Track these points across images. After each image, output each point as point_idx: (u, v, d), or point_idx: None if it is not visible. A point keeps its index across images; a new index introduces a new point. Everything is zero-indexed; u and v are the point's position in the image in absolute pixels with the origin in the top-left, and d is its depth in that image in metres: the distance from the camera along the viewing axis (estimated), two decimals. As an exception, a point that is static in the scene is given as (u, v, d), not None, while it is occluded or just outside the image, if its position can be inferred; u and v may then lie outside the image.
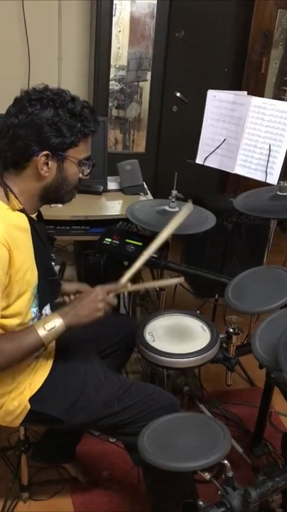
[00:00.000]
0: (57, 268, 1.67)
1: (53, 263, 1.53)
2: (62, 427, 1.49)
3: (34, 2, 3.05)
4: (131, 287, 1.52)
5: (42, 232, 1.45)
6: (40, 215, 1.48)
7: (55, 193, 1.37)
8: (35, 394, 1.42)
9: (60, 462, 1.90)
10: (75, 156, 1.34)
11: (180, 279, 1.63)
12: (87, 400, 1.44)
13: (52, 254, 1.54)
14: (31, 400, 1.41)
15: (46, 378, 1.45)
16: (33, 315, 1.41)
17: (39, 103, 1.27)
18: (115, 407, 1.43)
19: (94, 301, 1.38)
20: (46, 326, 1.31)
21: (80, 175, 1.39)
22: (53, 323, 1.32)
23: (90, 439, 1.99)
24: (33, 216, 1.40)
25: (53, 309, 1.51)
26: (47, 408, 1.42)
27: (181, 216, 1.61)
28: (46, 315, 1.48)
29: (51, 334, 1.32)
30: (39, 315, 1.44)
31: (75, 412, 1.43)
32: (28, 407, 1.41)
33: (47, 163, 1.30)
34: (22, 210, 1.32)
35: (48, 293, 1.45)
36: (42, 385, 1.43)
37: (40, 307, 1.43)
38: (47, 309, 1.50)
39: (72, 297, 1.66)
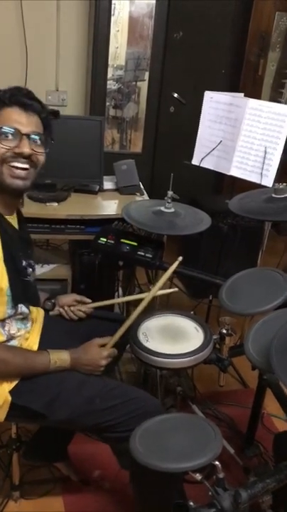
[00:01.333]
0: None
1: (30, 269, 1.54)
2: (46, 422, 1.48)
3: (32, 2, 3.05)
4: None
5: (15, 233, 1.46)
6: (21, 217, 1.51)
7: None
8: (15, 386, 1.42)
9: (51, 461, 1.90)
10: None
11: (174, 290, 1.72)
12: (67, 395, 1.44)
13: (31, 261, 1.55)
14: (12, 392, 1.41)
15: None
16: (7, 315, 1.42)
17: None
18: (97, 405, 1.43)
19: (98, 364, 1.50)
20: (58, 360, 1.45)
21: (14, 149, 1.35)
22: (63, 360, 1.46)
23: (82, 439, 1.99)
24: (12, 216, 1.44)
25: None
26: (28, 401, 1.41)
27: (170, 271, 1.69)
28: (22, 314, 1.49)
29: (57, 366, 1.46)
30: (14, 311, 1.45)
31: (56, 407, 1.42)
32: (9, 399, 1.41)
33: None
34: None
35: (21, 293, 1.45)
36: (22, 378, 1.43)
37: (14, 305, 1.43)
38: (23, 309, 1.50)
39: (66, 308, 1.74)
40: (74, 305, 1.77)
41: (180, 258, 1.73)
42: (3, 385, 1.42)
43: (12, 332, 1.47)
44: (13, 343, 1.48)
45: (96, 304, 1.80)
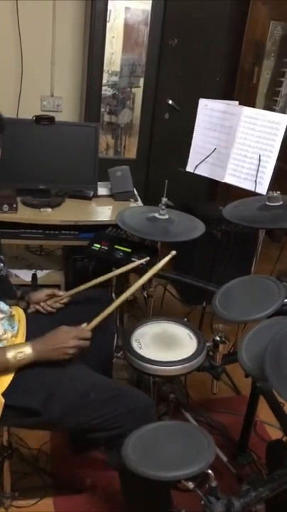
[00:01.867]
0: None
1: (1, 264, 1.56)
2: (39, 421, 1.45)
3: (28, 6, 3.05)
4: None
5: None
6: None
7: None
8: (7, 388, 1.41)
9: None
10: None
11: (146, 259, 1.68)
12: (62, 391, 1.43)
13: (1, 256, 1.58)
14: (4, 394, 1.40)
15: (16, 372, 1.44)
16: None
17: None
18: (91, 399, 1.42)
19: (66, 346, 1.44)
20: (18, 354, 1.39)
21: None
22: (23, 353, 1.40)
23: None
24: None
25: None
26: (23, 400, 1.41)
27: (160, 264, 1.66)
28: (1, 312, 1.49)
29: (20, 362, 1.40)
30: None
31: (52, 404, 1.41)
32: (2, 401, 1.40)
33: None
34: None
35: None
36: (12, 380, 1.42)
37: None
38: (2, 306, 1.50)
39: (42, 304, 1.72)
40: (47, 299, 1.76)
41: (173, 252, 1.71)
42: None
43: None
44: (0, 345, 1.48)
45: (69, 293, 1.78)
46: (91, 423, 1.43)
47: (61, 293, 1.79)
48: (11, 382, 1.42)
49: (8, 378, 1.42)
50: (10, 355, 1.39)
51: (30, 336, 1.58)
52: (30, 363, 1.41)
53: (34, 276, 2.23)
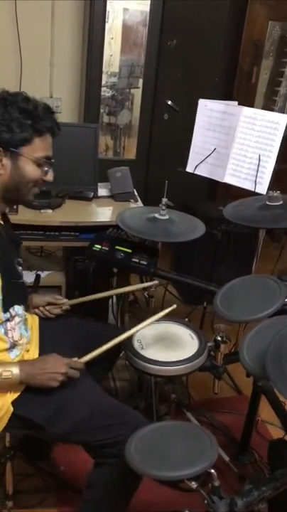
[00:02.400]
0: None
1: (20, 267, 1.54)
2: (43, 434, 1.47)
3: (27, 8, 3.06)
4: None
5: (7, 235, 1.46)
6: (6, 218, 1.50)
7: (15, 193, 1.40)
8: (17, 397, 1.41)
9: (32, 462, 1.89)
10: (30, 154, 1.36)
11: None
12: (69, 410, 1.42)
13: (19, 259, 1.55)
14: (14, 403, 1.40)
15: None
16: (4, 318, 1.42)
17: None
18: (96, 422, 1.42)
19: (55, 372, 1.40)
20: (4, 372, 1.35)
21: (43, 176, 1.41)
22: (9, 373, 1.35)
23: (75, 448, 1.97)
24: None
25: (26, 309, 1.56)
26: (30, 413, 1.40)
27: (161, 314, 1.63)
28: (16, 316, 1.48)
29: (2, 380, 1.35)
30: (8, 317, 1.44)
31: (57, 421, 1.41)
32: (11, 409, 1.40)
33: (1, 160, 1.33)
34: None
35: (13, 295, 1.45)
36: (25, 389, 1.42)
37: (5, 309, 1.42)
38: (18, 310, 1.49)
39: (41, 309, 1.71)
40: (47, 305, 1.76)
41: (174, 306, 1.67)
42: (6, 395, 1.41)
43: (15, 339, 1.47)
44: (15, 352, 1.48)
45: (72, 302, 1.78)
46: (93, 443, 1.43)
47: (63, 300, 1.78)
48: (23, 391, 1.42)
49: (20, 388, 1.42)
50: None
51: (43, 347, 1.58)
52: (15, 383, 1.38)
53: (37, 276, 2.23)
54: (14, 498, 1.79)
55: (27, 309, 1.66)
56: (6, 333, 1.44)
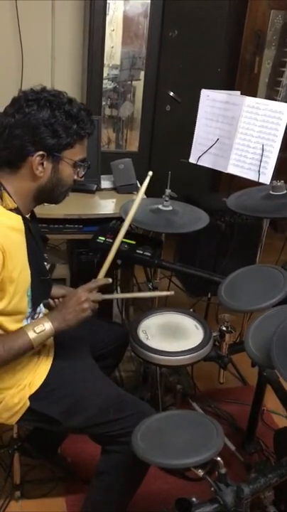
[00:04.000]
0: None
1: (45, 263, 1.54)
2: (57, 428, 1.49)
3: (27, 2, 3.05)
4: (118, 295, 1.53)
5: (36, 232, 1.46)
6: (33, 215, 1.49)
7: (49, 194, 1.39)
8: (34, 392, 1.42)
9: (40, 458, 1.90)
10: (70, 158, 1.35)
11: (171, 292, 1.61)
12: (85, 404, 1.44)
13: (45, 254, 1.55)
14: (31, 398, 1.42)
15: (46, 378, 1.45)
16: (28, 314, 1.42)
17: (36, 104, 1.27)
18: (111, 416, 1.43)
19: (78, 302, 1.39)
20: (36, 328, 1.34)
21: (75, 176, 1.40)
22: (43, 327, 1.34)
23: (82, 438, 1.99)
24: (27, 216, 1.40)
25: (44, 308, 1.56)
26: (46, 408, 1.42)
27: (143, 188, 1.63)
28: (40, 313, 1.50)
29: (40, 337, 1.34)
30: (33, 314, 1.45)
31: (72, 415, 1.43)
32: (28, 404, 1.42)
33: (42, 164, 1.31)
34: (16, 210, 1.32)
35: (41, 292, 1.46)
36: (42, 385, 1.44)
37: (34, 307, 1.43)
38: (42, 308, 1.51)
39: (56, 301, 1.69)
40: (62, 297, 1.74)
41: (150, 173, 1.68)
42: (24, 389, 1.42)
43: None
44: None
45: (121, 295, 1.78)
46: (106, 434, 1.44)
47: None
48: (40, 386, 1.43)
49: (37, 383, 1.44)
50: (29, 331, 1.33)
51: (58, 343, 1.58)
52: (51, 335, 1.37)
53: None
54: (22, 488, 1.81)
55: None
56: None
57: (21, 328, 1.36)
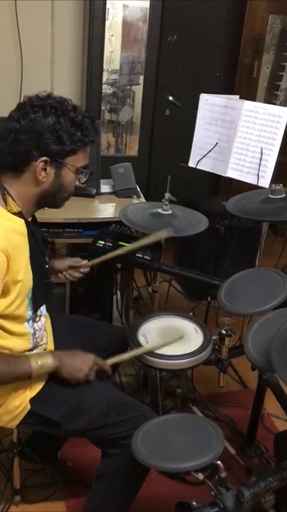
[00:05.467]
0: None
1: (47, 266, 1.54)
2: (57, 431, 1.49)
3: (27, 6, 3.06)
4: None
5: (38, 235, 1.47)
6: (34, 218, 1.50)
7: (51, 199, 1.40)
8: (35, 395, 1.43)
9: (39, 462, 1.90)
10: (73, 164, 1.36)
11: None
12: (85, 407, 1.44)
13: (46, 258, 1.56)
14: (32, 401, 1.42)
15: (46, 381, 1.45)
16: (29, 317, 1.42)
17: (41, 110, 1.29)
18: (111, 419, 1.44)
19: (85, 364, 1.43)
20: (39, 361, 1.37)
21: (77, 182, 1.41)
22: (45, 362, 1.38)
23: (82, 442, 1.99)
24: (29, 219, 1.42)
25: (48, 308, 1.57)
26: (47, 411, 1.42)
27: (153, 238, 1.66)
28: (42, 316, 1.50)
29: (41, 370, 1.37)
30: (35, 317, 1.45)
31: (73, 418, 1.43)
32: (29, 407, 1.42)
33: (45, 169, 1.32)
34: (19, 213, 1.34)
35: (42, 295, 1.46)
36: (42, 388, 1.44)
37: (35, 309, 1.44)
38: (43, 311, 1.52)
39: (65, 273, 1.74)
40: (69, 268, 1.78)
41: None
42: (25, 392, 1.42)
43: (38, 340, 1.49)
44: (36, 351, 1.49)
45: (91, 263, 1.80)
46: (106, 437, 1.45)
47: (83, 262, 1.80)
48: (41, 389, 1.44)
49: (39, 386, 1.44)
50: (33, 362, 1.36)
51: (56, 345, 1.60)
52: (51, 370, 1.40)
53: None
54: (22, 492, 1.80)
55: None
56: (34, 334, 1.46)
57: (26, 355, 1.41)
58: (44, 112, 1.28)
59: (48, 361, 1.38)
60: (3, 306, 1.32)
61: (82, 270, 1.80)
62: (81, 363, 1.43)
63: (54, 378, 1.46)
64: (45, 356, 1.40)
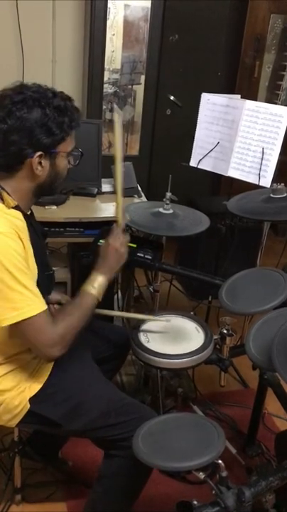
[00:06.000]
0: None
1: (47, 258, 1.56)
2: (57, 431, 1.49)
3: (28, 5, 3.06)
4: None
5: (37, 228, 1.48)
6: (31, 212, 1.50)
7: (48, 188, 1.41)
8: (35, 395, 1.43)
9: (41, 461, 1.90)
10: (65, 150, 1.37)
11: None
12: (86, 408, 1.44)
13: (47, 250, 1.56)
14: (31, 400, 1.42)
15: (46, 381, 1.45)
16: None
17: (25, 105, 1.27)
18: (112, 419, 1.43)
19: (117, 251, 1.52)
20: (94, 284, 1.45)
21: (68, 165, 1.42)
22: (97, 281, 1.46)
23: (84, 442, 1.99)
24: (29, 213, 1.43)
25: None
26: (47, 410, 1.42)
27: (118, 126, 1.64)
28: None
29: (100, 289, 1.45)
30: None
31: (73, 418, 1.43)
32: (28, 406, 1.42)
33: (40, 163, 1.33)
34: (17, 207, 1.34)
35: (45, 287, 1.46)
36: (42, 387, 1.44)
37: None
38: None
39: (51, 306, 1.69)
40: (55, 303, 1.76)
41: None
42: (24, 392, 1.42)
43: None
44: None
45: None
46: (107, 438, 1.45)
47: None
48: (41, 389, 1.44)
49: (38, 385, 1.44)
50: (90, 289, 1.44)
51: None
52: (106, 284, 1.47)
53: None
54: (23, 491, 1.80)
55: None
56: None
57: (81, 289, 1.45)
58: (27, 106, 1.27)
59: (99, 279, 1.46)
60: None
61: None
62: (116, 255, 1.52)
63: (54, 378, 1.45)
64: (93, 280, 1.46)
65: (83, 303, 1.43)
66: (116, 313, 1.95)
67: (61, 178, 1.41)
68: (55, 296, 1.73)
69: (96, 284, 1.45)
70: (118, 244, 1.52)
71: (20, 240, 1.28)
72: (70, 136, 1.37)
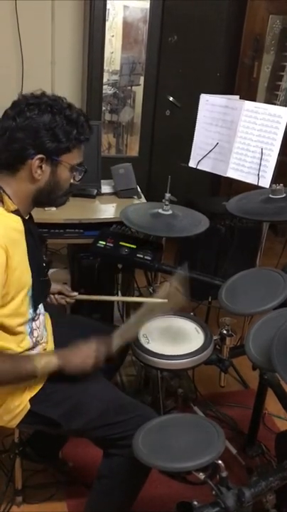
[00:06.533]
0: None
1: (44, 264, 1.55)
2: (58, 431, 1.49)
3: (27, 6, 3.07)
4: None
5: (35, 234, 1.47)
6: (30, 217, 1.50)
7: (47, 197, 1.40)
8: (35, 395, 1.43)
9: (41, 462, 1.90)
10: (68, 162, 1.37)
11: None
12: (85, 407, 1.44)
13: (44, 256, 1.57)
14: (31, 400, 1.43)
15: (46, 381, 1.46)
16: (30, 316, 1.42)
17: (37, 107, 1.29)
18: (111, 418, 1.44)
19: (88, 357, 1.41)
20: (43, 359, 1.38)
21: (72, 180, 1.42)
22: (49, 360, 1.39)
23: (84, 442, 1.99)
24: (26, 218, 1.42)
25: (45, 309, 1.58)
26: (47, 410, 1.43)
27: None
28: (41, 315, 1.51)
29: (45, 369, 1.38)
30: (35, 316, 1.45)
31: (73, 418, 1.43)
32: (28, 407, 1.42)
33: (40, 167, 1.33)
34: (16, 211, 1.34)
35: (40, 293, 1.47)
36: (42, 387, 1.44)
37: (35, 307, 1.44)
38: (42, 310, 1.52)
39: (52, 296, 1.73)
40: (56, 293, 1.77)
41: None
42: (24, 392, 1.43)
43: (38, 339, 1.49)
44: (36, 351, 1.49)
45: (81, 297, 1.80)
46: (107, 437, 1.45)
47: (72, 293, 1.80)
48: (41, 389, 1.44)
49: (38, 386, 1.44)
50: (37, 361, 1.37)
51: (57, 345, 1.60)
52: (55, 369, 1.40)
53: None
54: (23, 493, 1.80)
55: None
56: (31, 332, 1.45)
57: (30, 355, 1.42)
58: (40, 109, 1.29)
59: (52, 359, 1.38)
60: (2, 303, 1.31)
61: (68, 300, 1.79)
62: (84, 356, 1.41)
63: (54, 378, 1.46)
64: (48, 355, 1.41)
65: (23, 365, 1.36)
66: (115, 298, 1.91)
67: (61, 190, 1.41)
68: (56, 286, 1.74)
69: (47, 361, 1.38)
70: (92, 353, 1.42)
71: (6, 250, 1.26)
72: (77, 150, 1.37)
